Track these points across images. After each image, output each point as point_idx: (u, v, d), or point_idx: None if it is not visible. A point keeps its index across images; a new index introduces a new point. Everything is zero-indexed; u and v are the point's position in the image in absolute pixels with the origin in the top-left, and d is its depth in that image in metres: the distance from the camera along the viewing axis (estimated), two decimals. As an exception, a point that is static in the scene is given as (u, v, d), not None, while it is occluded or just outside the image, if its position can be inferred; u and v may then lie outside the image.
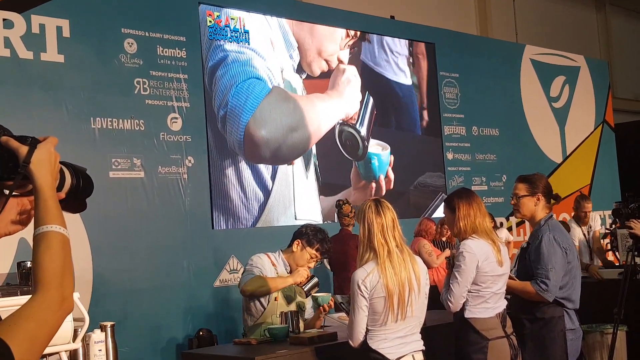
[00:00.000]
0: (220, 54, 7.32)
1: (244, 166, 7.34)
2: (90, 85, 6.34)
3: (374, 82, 8.80)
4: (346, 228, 7.10)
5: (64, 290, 1.47)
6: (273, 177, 7.56)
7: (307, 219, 7.70)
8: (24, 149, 1.56)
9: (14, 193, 1.60)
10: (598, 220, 8.54)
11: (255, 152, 7.48)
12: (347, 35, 8.58)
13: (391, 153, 8.83)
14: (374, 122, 8.69)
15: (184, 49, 6.99)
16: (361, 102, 8.60)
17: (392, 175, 8.78)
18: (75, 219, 6.04)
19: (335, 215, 7.40)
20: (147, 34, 6.74)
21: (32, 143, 1.58)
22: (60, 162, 1.66)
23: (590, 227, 8.16)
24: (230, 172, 7.23)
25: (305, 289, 4.52)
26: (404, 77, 9.16)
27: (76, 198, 1.70)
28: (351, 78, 8.56)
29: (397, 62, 9.10)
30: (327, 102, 8.26)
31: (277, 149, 7.65)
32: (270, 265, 4.57)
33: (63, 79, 6.19)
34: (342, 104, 8.43)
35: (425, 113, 9.39)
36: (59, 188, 1.64)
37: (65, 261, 1.49)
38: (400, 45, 9.21)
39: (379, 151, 8.73)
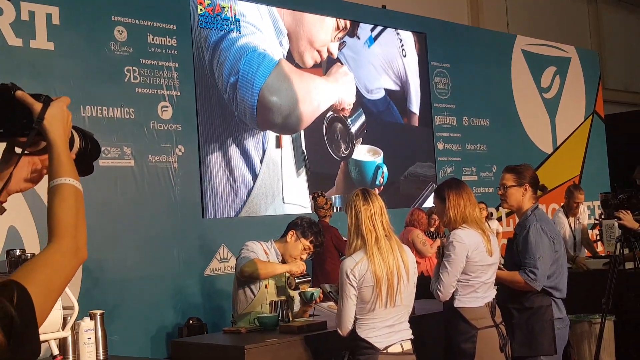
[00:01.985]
0: (223, 30, 7.39)
1: (233, 149, 7.35)
2: (80, 73, 6.31)
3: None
4: (323, 219, 7.10)
5: (78, 240, 1.51)
6: (262, 160, 7.59)
7: (295, 203, 7.76)
8: (37, 106, 1.59)
9: (26, 151, 1.64)
10: (586, 214, 8.56)
11: (268, 118, 7.63)
12: (337, 28, 8.57)
13: (382, 145, 8.88)
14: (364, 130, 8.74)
15: (174, 37, 6.96)
16: (354, 104, 8.62)
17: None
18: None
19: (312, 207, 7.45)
20: (137, 22, 6.71)
21: (46, 100, 1.61)
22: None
23: (579, 219, 8.18)
24: (219, 158, 7.23)
25: (297, 281, 4.51)
26: (377, 92, 9.10)
27: (84, 161, 1.75)
28: (347, 72, 8.60)
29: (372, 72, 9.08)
30: (324, 84, 8.35)
31: (287, 116, 7.84)
32: (263, 253, 4.58)
33: (53, 67, 6.15)
34: (337, 89, 8.48)
35: (412, 107, 9.39)
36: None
37: (78, 212, 1.54)
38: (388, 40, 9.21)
39: (379, 159, 8.77)
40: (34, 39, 6.06)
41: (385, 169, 8.84)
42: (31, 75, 6.03)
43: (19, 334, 1.31)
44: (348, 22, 8.71)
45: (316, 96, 8.21)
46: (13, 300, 1.34)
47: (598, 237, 7.96)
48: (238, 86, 7.40)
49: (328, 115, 8.34)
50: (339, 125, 8.45)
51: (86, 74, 6.34)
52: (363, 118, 8.70)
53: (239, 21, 7.56)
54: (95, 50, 6.42)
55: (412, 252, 3.83)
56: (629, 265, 5.95)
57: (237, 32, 7.54)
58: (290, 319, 4.34)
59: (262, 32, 7.76)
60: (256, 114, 7.53)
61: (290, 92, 7.92)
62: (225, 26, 7.44)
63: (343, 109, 8.52)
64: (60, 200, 1.53)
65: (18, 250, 4.54)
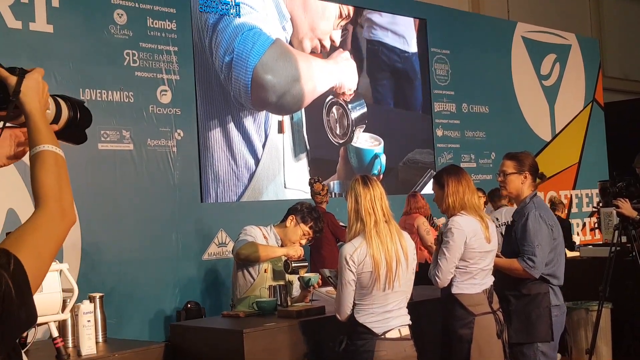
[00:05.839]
0: (220, 11, 7.36)
1: (234, 134, 7.34)
2: (80, 56, 6.29)
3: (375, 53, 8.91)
4: (319, 205, 7.09)
5: (63, 202, 1.52)
6: (264, 145, 7.58)
7: (296, 188, 7.75)
8: (12, 79, 1.62)
9: (7, 124, 1.66)
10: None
11: (262, 96, 7.58)
12: (340, 16, 8.54)
13: (381, 131, 8.86)
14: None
15: (174, 20, 6.94)
16: (356, 92, 8.61)
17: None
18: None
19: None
20: (137, 5, 6.69)
21: (21, 73, 1.64)
22: (58, 96, 1.75)
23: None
24: (221, 142, 7.22)
25: (293, 265, 4.51)
26: (407, 46, 9.25)
27: (76, 129, 1.77)
28: (349, 58, 8.59)
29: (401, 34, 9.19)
30: (323, 64, 8.32)
31: (282, 95, 7.77)
32: (262, 238, 4.60)
33: (52, 50, 6.13)
34: (337, 71, 8.46)
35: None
36: (56, 120, 1.72)
37: (60, 175, 1.55)
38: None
39: (378, 148, 8.76)
40: (33, 21, 6.03)
41: (383, 159, 8.81)
42: (30, 58, 6.00)
43: (14, 302, 1.32)
44: (351, 10, 8.68)
45: (314, 76, 8.15)
46: (9, 268, 1.34)
47: (596, 225, 7.99)
48: (233, 65, 7.35)
49: (328, 99, 8.32)
50: (339, 110, 8.43)
51: (85, 57, 6.32)
52: (364, 107, 8.68)
53: (238, 5, 7.52)
54: (94, 34, 6.40)
55: (415, 239, 3.84)
56: (627, 253, 5.96)
57: (237, 15, 7.51)
58: (289, 304, 4.35)
59: (265, 14, 7.72)
60: (250, 93, 7.47)
61: (286, 71, 7.86)
62: (224, 9, 7.40)
63: (343, 94, 8.49)
64: (41, 166, 1.54)
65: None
